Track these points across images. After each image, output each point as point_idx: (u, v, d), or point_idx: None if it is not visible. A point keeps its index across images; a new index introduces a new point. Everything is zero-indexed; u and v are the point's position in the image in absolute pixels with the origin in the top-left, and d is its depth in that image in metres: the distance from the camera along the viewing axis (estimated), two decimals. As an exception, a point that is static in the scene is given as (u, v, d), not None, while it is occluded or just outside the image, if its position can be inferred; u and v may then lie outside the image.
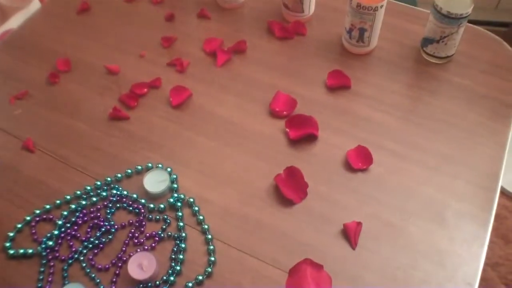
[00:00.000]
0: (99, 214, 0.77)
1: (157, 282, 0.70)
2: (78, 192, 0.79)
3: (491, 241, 0.78)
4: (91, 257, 0.74)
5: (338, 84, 0.92)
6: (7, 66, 0.99)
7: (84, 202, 0.78)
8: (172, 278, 0.70)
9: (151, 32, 1.03)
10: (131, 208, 0.77)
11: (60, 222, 0.76)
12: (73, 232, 0.76)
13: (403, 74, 0.95)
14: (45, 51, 1.01)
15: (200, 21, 1.06)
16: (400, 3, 1.06)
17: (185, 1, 1.10)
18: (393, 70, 0.95)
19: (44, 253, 0.74)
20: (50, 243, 0.75)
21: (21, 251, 0.74)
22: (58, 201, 0.79)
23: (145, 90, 0.92)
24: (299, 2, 0.99)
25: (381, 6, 0.90)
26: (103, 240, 0.75)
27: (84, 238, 0.75)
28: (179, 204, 0.77)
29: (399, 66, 0.96)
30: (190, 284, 0.70)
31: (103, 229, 0.75)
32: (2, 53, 1.03)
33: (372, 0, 0.88)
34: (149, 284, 0.70)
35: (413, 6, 1.07)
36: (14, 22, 1.25)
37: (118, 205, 0.78)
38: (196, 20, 1.06)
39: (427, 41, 0.95)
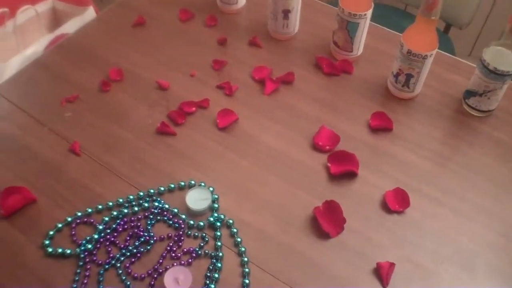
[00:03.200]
0: (139, 224, 0.79)
1: (190, 298, 0.72)
2: (121, 200, 0.81)
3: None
4: (127, 265, 0.75)
5: (381, 126, 0.94)
6: (61, 69, 1.03)
7: (125, 211, 0.80)
8: (205, 296, 0.72)
9: (203, 53, 1.06)
10: (171, 222, 0.79)
11: (100, 227, 0.78)
12: (112, 239, 0.78)
13: (444, 122, 0.97)
14: (98, 59, 1.05)
15: (251, 48, 1.09)
16: (447, 54, 1.09)
17: (238, 27, 1.13)
18: (434, 117, 0.97)
19: (82, 255, 0.76)
20: (89, 246, 0.76)
21: (60, 250, 0.76)
22: (100, 206, 0.81)
23: (194, 109, 0.95)
24: (349, 42, 1.02)
25: (431, 55, 0.92)
26: (141, 249, 0.76)
27: (122, 246, 0.77)
28: (218, 223, 0.79)
29: (441, 114, 0.98)
30: (222, 304, 0.71)
31: (142, 239, 0.77)
32: (57, 55, 1.06)
33: (423, 48, 0.91)
34: (183, 298, 0.71)
35: (459, 58, 1.10)
36: (69, 27, 1.29)
37: (158, 217, 0.80)
38: (247, 47, 1.09)
39: (470, 94, 0.97)
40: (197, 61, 1.05)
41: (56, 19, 1.44)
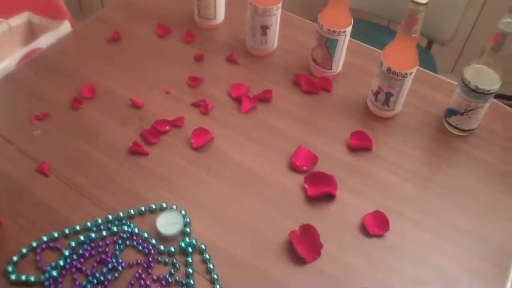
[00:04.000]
0: (107, 249, 0.76)
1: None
2: (89, 224, 0.78)
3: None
4: (94, 293, 0.72)
5: (360, 145, 0.92)
6: (33, 85, 1.00)
7: (93, 235, 0.77)
8: (175, 326, 0.68)
9: (179, 70, 1.04)
10: (140, 247, 0.76)
11: (66, 253, 0.75)
12: (79, 265, 0.74)
13: (424, 141, 0.95)
14: (71, 75, 1.02)
15: (228, 65, 1.06)
16: (428, 71, 1.07)
17: (215, 43, 1.11)
18: (415, 136, 0.95)
19: (47, 283, 0.72)
20: (54, 273, 0.73)
21: (23, 277, 0.73)
22: (67, 230, 0.77)
23: (167, 127, 0.92)
24: (328, 59, 1.00)
25: (411, 73, 0.90)
26: (109, 277, 0.73)
27: (89, 273, 0.73)
28: (190, 249, 0.75)
29: (421, 133, 0.96)
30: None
31: (110, 266, 0.74)
32: (29, 70, 1.03)
33: (403, 66, 0.89)
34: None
35: (440, 76, 1.08)
36: (43, 41, 1.26)
37: (127, 242, 0.76)
38: (225, 63, 1.07)
39: (451, 112, 0.95)
40: (173, 77, 1.02)
41: (31, 33, 1.41)
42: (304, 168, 0.87)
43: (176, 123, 0.93)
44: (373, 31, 1.66)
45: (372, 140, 0.92)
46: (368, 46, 1.13)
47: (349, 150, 0.92)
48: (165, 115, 0.94)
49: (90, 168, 0.86)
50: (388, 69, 0.90)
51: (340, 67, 1.04)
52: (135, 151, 0.88)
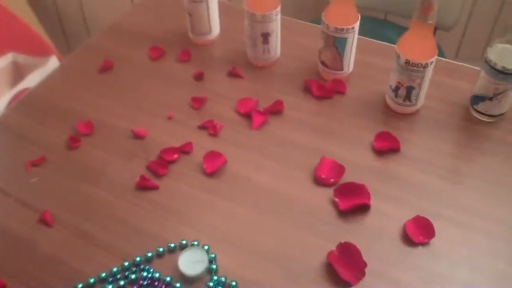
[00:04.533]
0: (127, 300, 0.67)
1: None
2: (103, 274, 0.70)
3: None
4: None
5: (387, 147, 0.84)
6: (23, 129, 0.92)
7: (110, 287, 0.68)
8: None
9: (179, 92, 0.96)
10: (164, 293, 0.68)
11: (82, 310, 0.66)
12: (98, 322, 0.66)
13: (453, 133, 0.88)
14: (64, 113, 0.94)
15: (231, 80, 0.99)
16: (446, 59, 1.00)
17: (214, 59, 1.04)
18: (442, 129, 0.88)
19: None
20: (71, 335, 0.64)
21: None
22: (80, 285, 0.69)
23: (175, 156, 0.84)
24: (338, 59, 0.93)
25: (431, 63, 0.83)
26: (133, 332, 0.64)
27: (111, 330, 0.65)
28: (219, 288, 0.67)
29: (449, 125, 0.89)
30: None
31: (133, 319, 0.65)
32: (17, 114, 0.96)
33: (422, 56, 0.81)
34: None
35: (460, 63, 1.01)
36: (31, 81, 1.19)
37: (149, 289, 0.68)
38: (227, 79, 0.99)
39: (478, 99, 0.88)
40: (174, 101, 0.95)
41: (18, 73, 1.34)
42: (332, 180, 0.79)
43: (185, 150, 0.85)
44: (371, 25, 1.59)
45: (398, 139, 0.84)
46: (376, 41, 1.06)
47: (376, 154, 0.84)
48: (171, 142, 0.86)
49: (96, 211, 0.78)
50: (407, 62, 0.82)
51: (351, 67, 0.96)
52: (144, 186, 0.80)
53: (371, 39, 1.06)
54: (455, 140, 0.87)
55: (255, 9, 0.91)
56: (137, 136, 0.88)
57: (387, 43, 1.04)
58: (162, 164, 0.83)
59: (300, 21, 1.13)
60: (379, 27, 1.59)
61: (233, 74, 0.99)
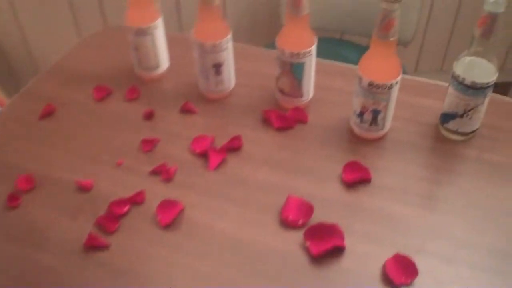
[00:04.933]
0: None
1: None
2: None
3: None
4: None
5: (357, 178, 0.77)
6: (-44, 191, 0.82)
7: None
8: None
9: (128, 135, 0.88)
10: None
11: None
12: None
13: (425, 156, 0.83)
14: (1, 167, 0.84)
15: (184, 116, 0.92)
16: (410, 77, 0.95)
17: (164, 95, 0.97)
18: (413, 153, 0.83)
19: None
20: None
21: None
22: None
23: (126, 208, 0.75)
24: (297, 86, 0.87)
25: (396, 83, 0.77)
26: None
27: None
28: None
29: (420, 148, 0.84)
30: None
31: None
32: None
33: (386, 76, 0.76)
34: None
35: (426, 79, 0.96)
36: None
37: None
38: (180, 115, 0.92)
39: (447, 117, 0.83)
40: (122, 145, 0.86)
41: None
42: (300, 222, 0.72)
43: (136, 200, 0.77)
44: (327, 46, 1.53)
45: (368, 168, 0.78)
46: (335, 62, 1.01)
47: (346, 187, 0.77)
48: (121, 193, 0.78)
49: (39, 279, 0.69)
50: (370, 84, 0.76)
51: (311, 93, 0.90)
52: (92, 246, 0.71)
53: (329, 61, 1.01)
54: (428, 163, 0.82)
55: (204, 38, 0.85)
56: (83, 189, 0.79)
57: (346, 64, 0.98)
58: (111, 218, 0.74)
59: (254, 47, 1.07)
60: (335, 47, 1.54)
61: (185, 110, 0.92)
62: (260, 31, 1.83)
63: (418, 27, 1.47)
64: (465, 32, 1.79)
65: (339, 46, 1.58)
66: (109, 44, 1.12)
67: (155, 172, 0.81)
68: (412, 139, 0.85)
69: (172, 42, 1.00)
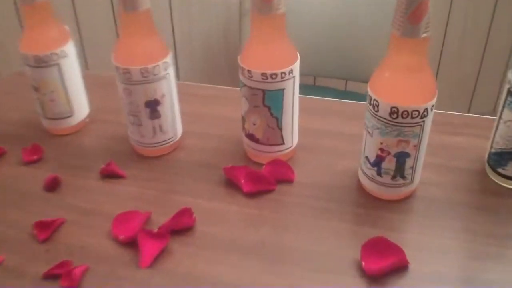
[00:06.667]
0: None
1: None
2: None
3: None
4: None
5: (387, 267, 0.47)
6: None
7: None
8: None
9: (18, 215, 0.57)
10: None
11: None
12: None
13: (470, 218, 0.54)
14: None
15: (105, 184, 0.61)
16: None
17: (78, 154, 0.67)
18: (452, 215, 0.54)
19: None
20: None
21: None
22: None
23: None
24: (275, 127, 0.57)
25: (432, 107, 0.49)
26: None
27: None
28: None
29: (461, 207, 0.56)
30: None
31: None
32: None
33: (418, 97, 0.48)
34: None
35: (455, 112, 0.69)
36: None
37: None
38: (99, 183, 0.61)
39: (501, 156, 0.55)
40: (7, 232, 0.54)
41: None
42: None
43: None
44: (301, 93, 1.29)
45: (401, 247, 0.48)
46: (324, 98, 0.73)
47: (370, 282, 0.46)
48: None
49: None
50: (394, 110, 0.48)
51: (296, 138, 0.61)
52: None
53: (314, 97, 0.73)
54: (477, 228, 0.53)
55: (128, 62, 0.55)
56: None
57: (342, 100, 0.70)
58: None
59: (205, 84, 0.78)
60: (309, 93, 1.29)
61: (108, 174, 0.61)
62: (222, 71, 1.59)
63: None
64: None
65: (314, 92, 1.33)
66: (6, 89, 0.82)
67: (51, 276, 0.48)
68: (451, 196, 0.57)
69: (93, 83, 0.71)
